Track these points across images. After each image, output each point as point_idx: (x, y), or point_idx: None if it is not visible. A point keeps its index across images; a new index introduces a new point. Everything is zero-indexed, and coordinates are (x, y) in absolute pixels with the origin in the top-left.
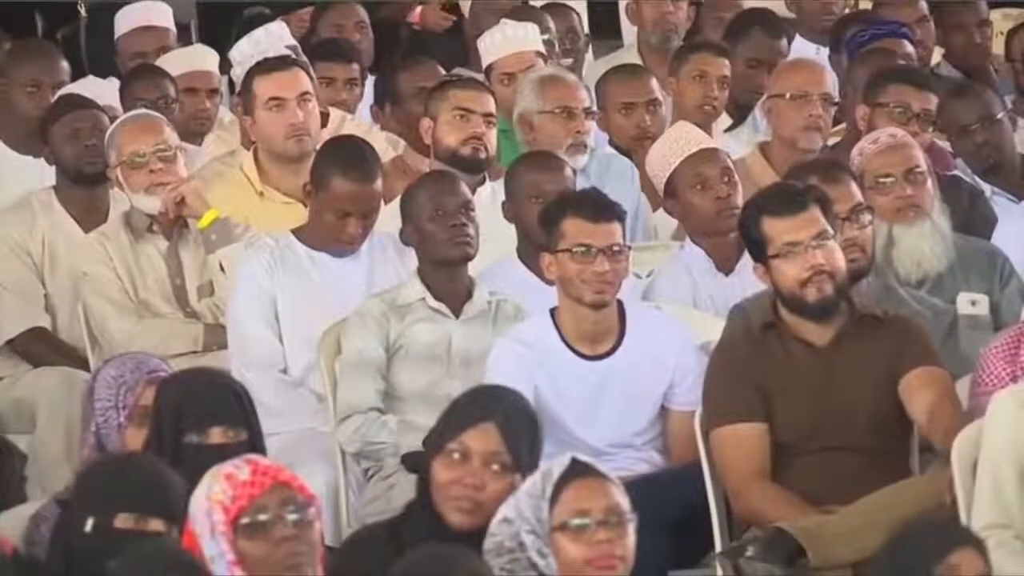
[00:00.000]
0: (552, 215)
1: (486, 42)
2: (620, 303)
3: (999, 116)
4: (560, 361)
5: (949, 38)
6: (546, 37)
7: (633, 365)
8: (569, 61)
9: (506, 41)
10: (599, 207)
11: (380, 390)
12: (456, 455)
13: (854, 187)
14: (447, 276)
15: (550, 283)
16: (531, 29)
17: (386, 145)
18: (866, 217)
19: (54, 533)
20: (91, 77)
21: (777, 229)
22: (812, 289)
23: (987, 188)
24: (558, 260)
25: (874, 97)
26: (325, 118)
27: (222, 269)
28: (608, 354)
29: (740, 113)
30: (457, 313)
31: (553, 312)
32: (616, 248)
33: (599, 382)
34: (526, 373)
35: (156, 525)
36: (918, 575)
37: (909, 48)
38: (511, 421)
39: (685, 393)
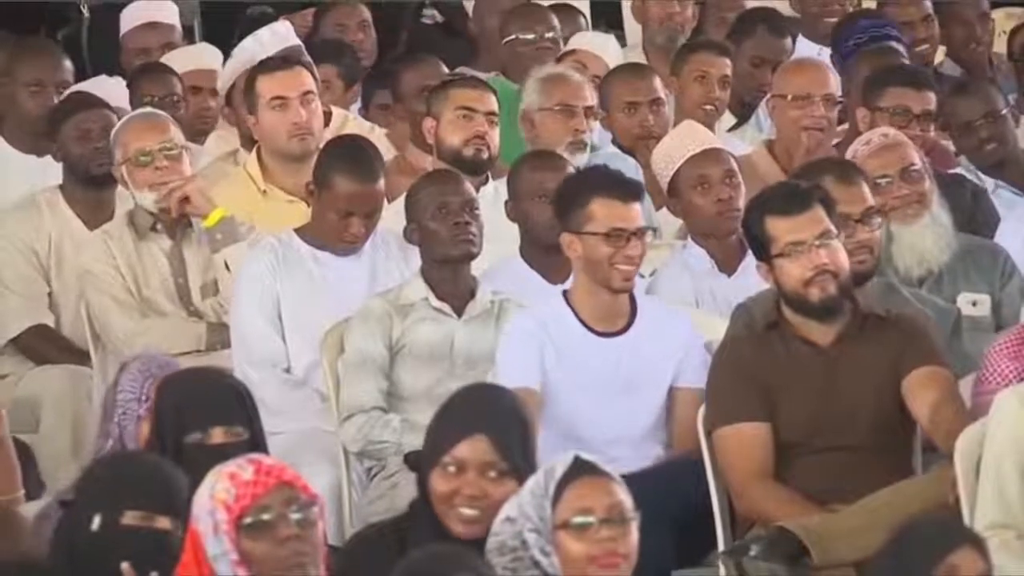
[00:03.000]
0: (576, 195)
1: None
2: None
3: (1003, 112)
4: (576, 338)
5: (950, 33)
6: (551, 35)
7: (646, 342)
8: None
9: (596, 39)
10: (627, 187)
11: (383, 389)
12: (451, 468)
13: (866, 189)
14: (450, 275)
15: (554, 282)
16: (617, 50)
17: (388, 144)
18: (876, 220)
19: (56, 533)
20: (103, 76)
21: (780, 228)
22: (816, 289)
23: (991, 183)
24: (584, 241)
25: (873, 100)
26: (328, 117)
27: (227, 268)
28: (622, 331)
29: (744, 112)
30: (460, 313)
31: (565, 294)
32: (644, 230)
33: (615, 358)
34: (535, 351)
35: (163, 523)
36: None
37: (899, 48)
38: (501, 428)
39: (691, 371)
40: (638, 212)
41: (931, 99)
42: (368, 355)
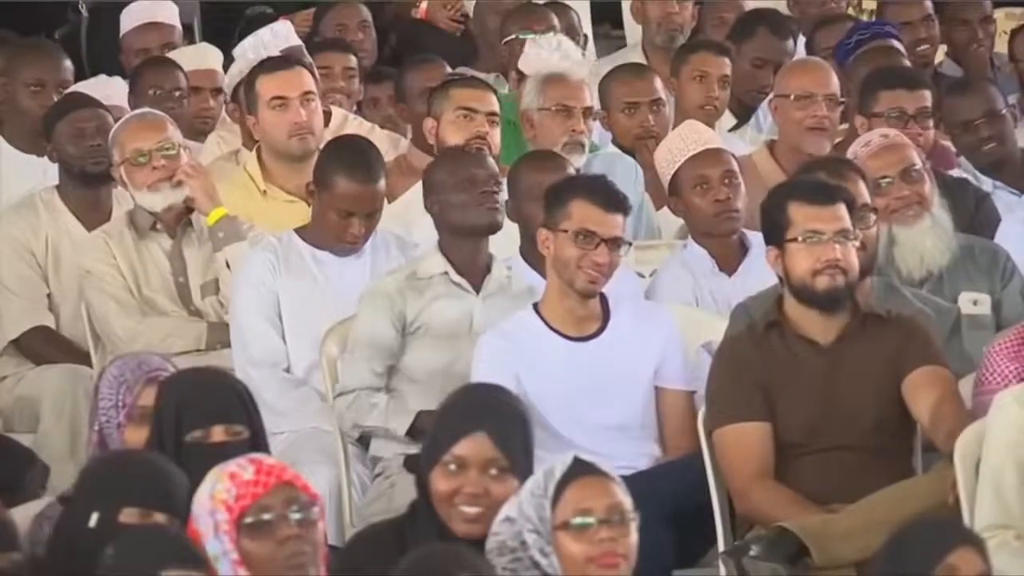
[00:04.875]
0: (561, 193)
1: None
2: (601, 293)
3: (1002, 112)
4: (546, 346)
5: (952, 34)
6: (551, 35)
7: (620, 345)
8: None
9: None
10: (611, 196)
11: (380, 372)
12: (452, 466)
13: (863, 186)
14: (471, 248)
15: None
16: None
17: (388, 145)
18: (871, 218)
19: (55, 530)
20: (102, 76)
21: (802, 215)
22: (824, 278)
23: (988, 183)
24: (557, 239)
25: (868, 107)
26: (327, 117)
27: (228, 267)
28: (594, 336)
29: (744, 112)
30: (478, 289)
31: (535, 305)
32: (618, 240)
33: (588, 363)
34: (506, 366)
35: (160, 520)
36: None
37: (899, 47)
38: (502, 425)
39: (675, 372)
40: (615, 223)
41: (926, 97)
42: (373, 335)
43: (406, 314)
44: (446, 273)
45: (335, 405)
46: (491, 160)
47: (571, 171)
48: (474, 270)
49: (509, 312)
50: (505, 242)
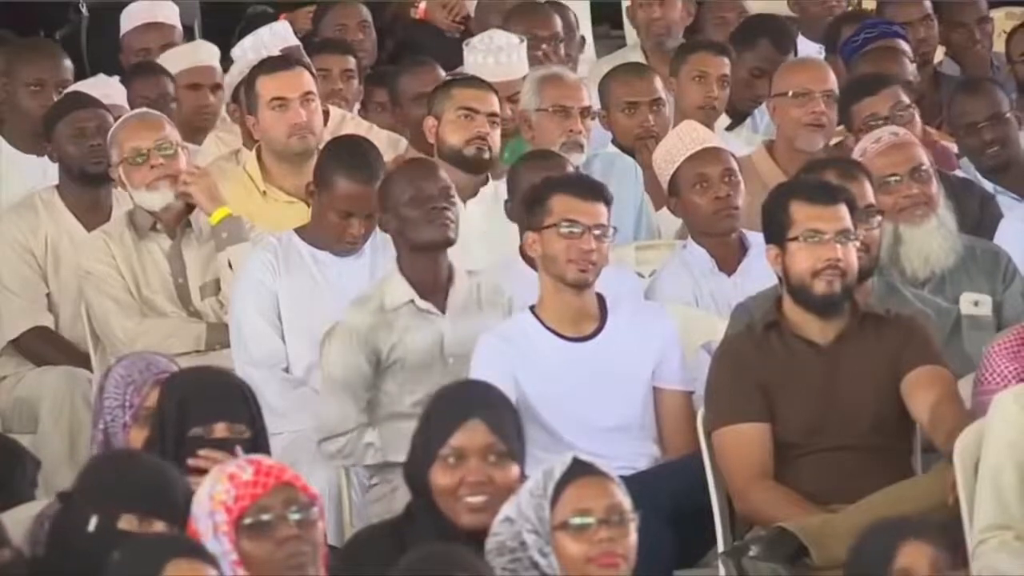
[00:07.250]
0: (538, 194)
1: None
2: (599, 294)
3: (1007, 114)
4: (545, 348)
5: (949, 36)
6: (551, 35)
7: (618, 345)
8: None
9: (499, 68)
10: (588, 186)
11: (363, 407)
12: (451, 459)
13: (868, 187)
14: (429, 264)
15: None
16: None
17: (388, 145)
18: (876, 219)
19: (52, 528)
20: (101, 76)
21: (803, 214)
22: (822, 282)
23: (989, 186)
24: (543, 237)
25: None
26: (325, 116)
27: (230, 267)
28: (592, 336)
29: (739, 115)
30: (443, 308)
31: (533, 307)
32: (602, 229)
33: (588, 363)
34: (505, 368)
35: (159, 527)
36: None
37: (904, 46)
38: (494, 411)
39: (673, 372)
40: (597, 211)
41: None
42: (346, 374)
43: (380, 349)
44: (412, 301)
45: (322, 448)
46: (443, 173)
47: (570, 170)
48: (437, 288)
49: (482, 324)
50: (504, 243)
